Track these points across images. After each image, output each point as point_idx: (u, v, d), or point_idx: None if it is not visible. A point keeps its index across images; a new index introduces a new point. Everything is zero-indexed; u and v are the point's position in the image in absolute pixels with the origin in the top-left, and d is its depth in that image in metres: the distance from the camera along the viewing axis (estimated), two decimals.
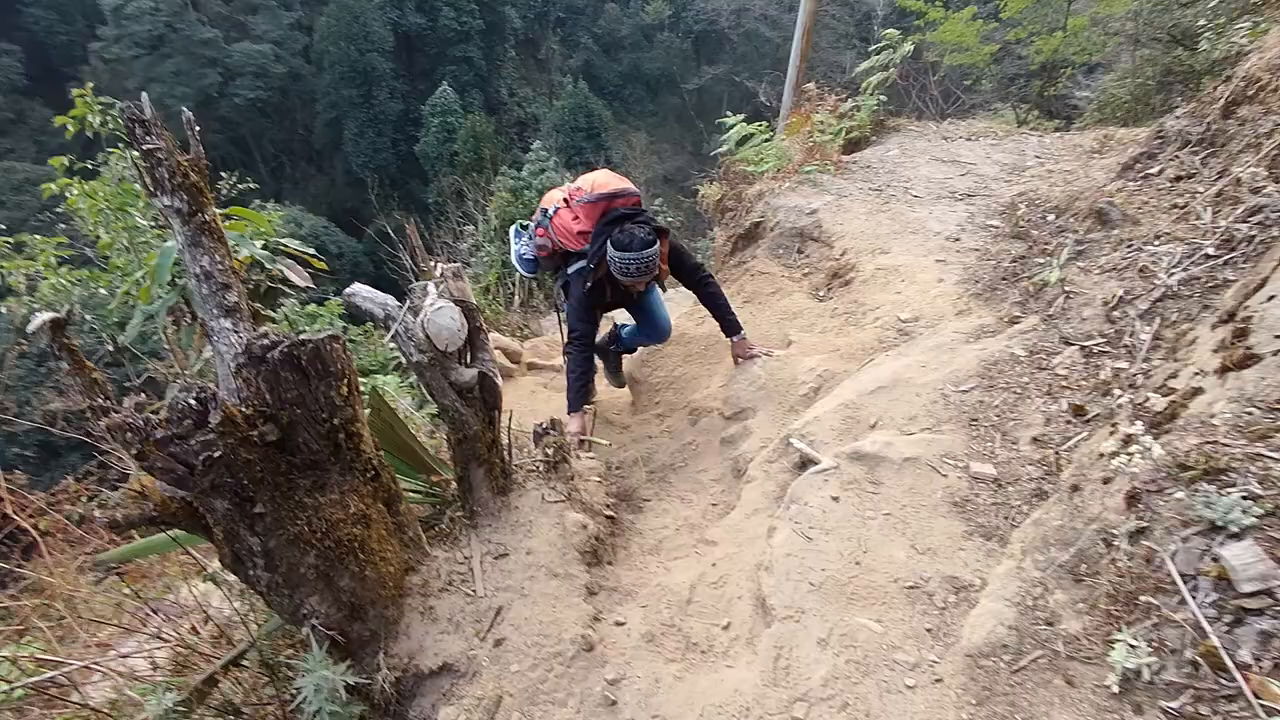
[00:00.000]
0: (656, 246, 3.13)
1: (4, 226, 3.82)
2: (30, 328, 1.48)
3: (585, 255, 3.32)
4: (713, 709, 1.70)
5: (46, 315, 1.50)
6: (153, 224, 3.50)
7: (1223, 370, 1.97)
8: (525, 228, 3.84)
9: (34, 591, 2.50)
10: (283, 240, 3.17)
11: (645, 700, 1.74)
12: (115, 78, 33.82)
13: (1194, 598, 1.55)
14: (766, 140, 6.25)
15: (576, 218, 3.41)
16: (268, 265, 3.01)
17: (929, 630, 1.81)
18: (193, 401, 1.51)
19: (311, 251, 3.25)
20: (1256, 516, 1.55)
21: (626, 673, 1.82)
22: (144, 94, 1.74)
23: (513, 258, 3.84)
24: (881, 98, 7.04)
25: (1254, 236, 2.57)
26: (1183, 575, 1.59)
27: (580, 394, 3.26)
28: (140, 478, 1.75)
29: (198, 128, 1.86)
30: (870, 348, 3.44)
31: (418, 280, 2.43)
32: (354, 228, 28.62)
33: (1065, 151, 6.34)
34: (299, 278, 3.09)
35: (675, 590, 2.17)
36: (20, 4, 35.21)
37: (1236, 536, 1.55)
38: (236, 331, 1.83)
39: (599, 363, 4.12)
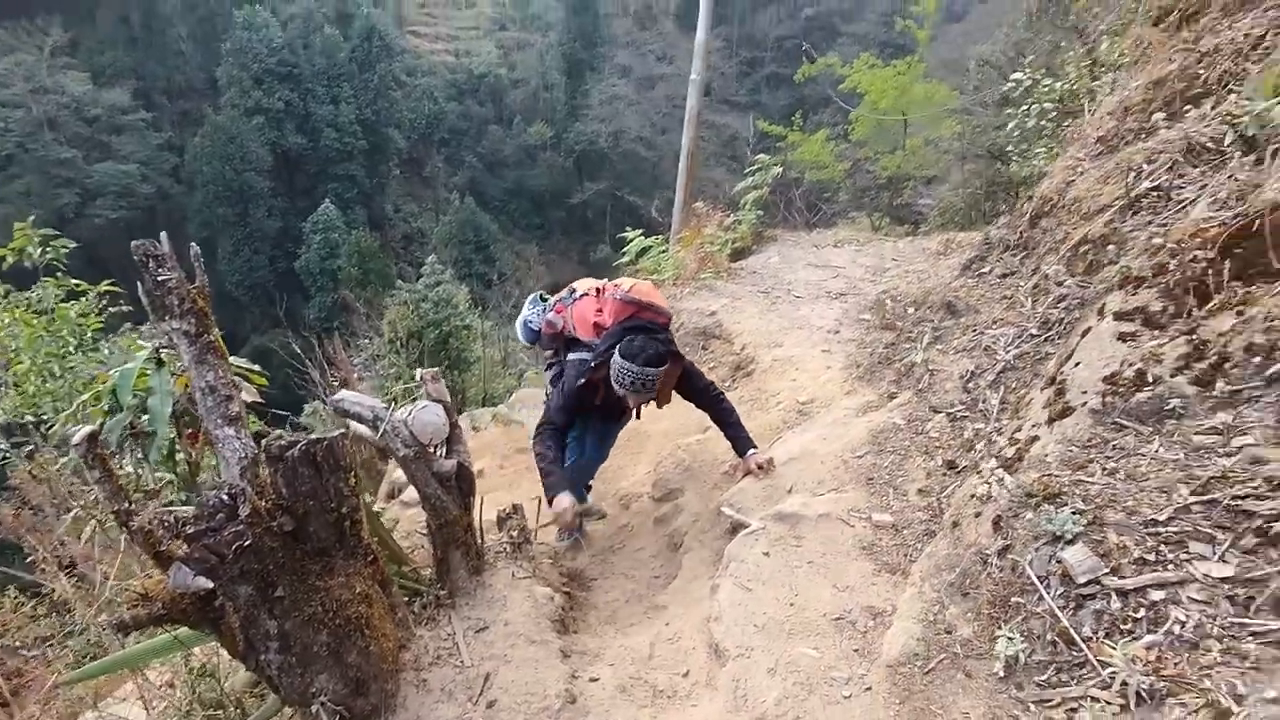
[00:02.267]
0: (662, 369, 3.00)
1: None
2: (74, 440, 1.65)
3: (590, 348, 3.24)
4: None
5: (85, 429, 1.68)
6: (82, 351, 3.55)
7: (1050, 421, 2.55)
8: (544, 299, 3.76)
9: None
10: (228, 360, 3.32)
11: None
12: None
13: (1048, 593, 2.00)
14: (663, 251, 6.93)
15: (600, 310, 3.30)
16: None
17: (856, 651, 2.17)
18: (225, 498, 1.71)
19: (257, 368, 3.41)
20: (1083, 525, 2.05)
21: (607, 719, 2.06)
22: (163, 234, 1.99)
23: (518, 321, 3.80)
24: (759, 212, 7.98)
25: (1062, 319, 3.28)
26: (1038, 577, 2.05)
27: (557, 474, 2.98)
28: (141, 582, 1.88)
29: (201, 260, 2.12)
30: (776, 427, 3.92)
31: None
32: (229, 349, 27.45)
33: (916, 254, 7.40)
34: (247, 394, 3.23)
35: (636, 649, 2.43)
36: None
37: (1071, 542, 2.04)
38: (239, 438, 2.03)
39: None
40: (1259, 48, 3.22)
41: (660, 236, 7.01)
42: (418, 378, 2.27)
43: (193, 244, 2.09)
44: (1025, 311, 3.45)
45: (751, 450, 3.27)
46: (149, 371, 2.75)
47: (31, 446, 3.56)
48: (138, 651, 2.26)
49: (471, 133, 48.73)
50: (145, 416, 2.64)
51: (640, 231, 6.95)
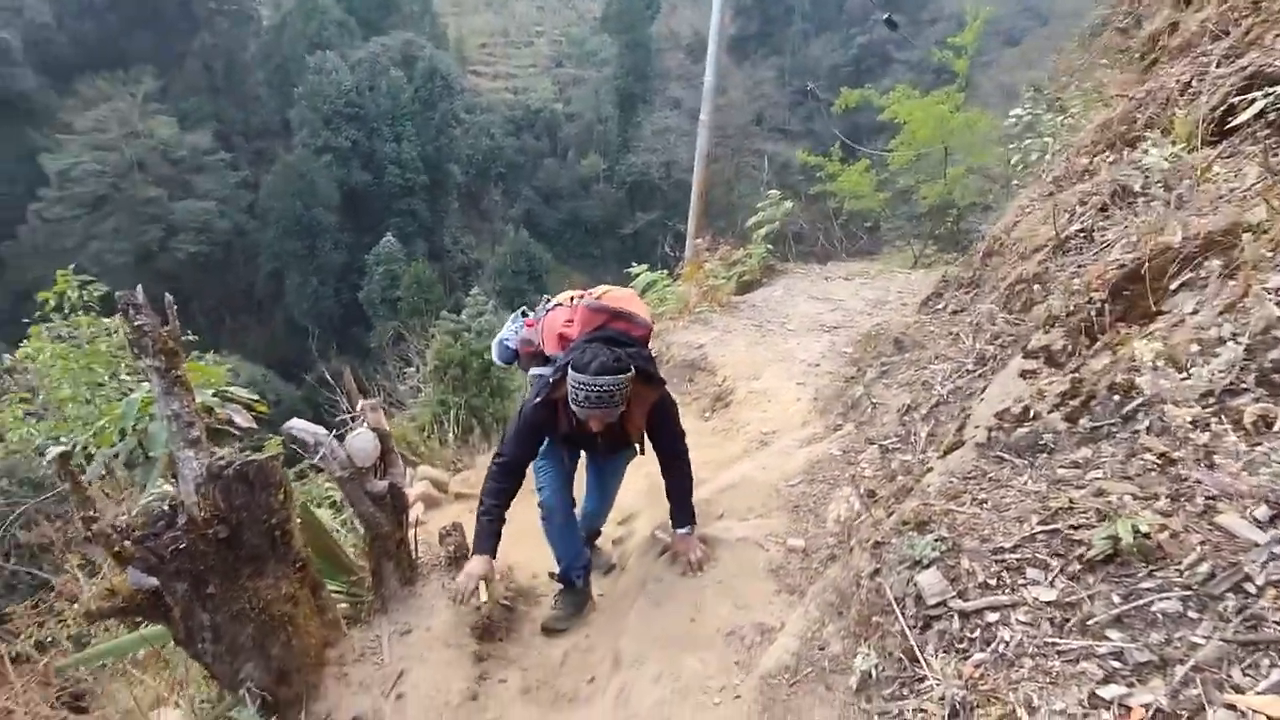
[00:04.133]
0: (620, 379, 2.55)
1: None
2: (47, 457, 2.02)
3: (554, 363, 2.88)
4: None
5: (57, 449, 2.05)
6: (114, 381, 4.03)
7: (945, 453, 2.70)
8: (526, 314, 3.39)
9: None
10: (229, 389, 3.74)
11: None
12: (53, 236, 34.48)
13: (902, 613, 2.16)
14: (668, 285, 7.21)
15: (570, 321, 2.97)
16: (217, 410, 3.56)
17: (737, 663, 2.37)
18: (166, 508, 2.05)
19: (255, 397, 3.81)
20: (941, 551, 2.20)
21: (502, 715, 2.30)
22: (139, 287, 2.38)
23: (495, 340, 3.39)
24: (769, 246, 8.19)
25: (996, 355, 3.42)
26: (896, 599, 2.20)
27: (488, 531, 2.70)
28: (111, 580, 2.24)
29: (175, 308, 2.50)
30: (737, 457, 4.12)
31: (353, 420, 3.03)
32: (292, 375, 28.96)
33: (927, 287, 7.48)
34: (244, 420, 3.63)
35: (552, 657, 2.67)
36: None
37: (927, 566, 2.19)
38: (197, 459, 2.38)
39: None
40: (1186, 93, 3.33)
41: (665, 271, 7.30)
42: (358, 407, 2.59)
43: (167, 294, 2.47)
44: (965, 347, 3.59)
45: (685, 529, 2.96)
46: (152, 401, 3.17)
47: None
48: (121, 643, 2.63)
49: (527, 166, 50.29)
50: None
51: (646, 267, 7.26)
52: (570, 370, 2.58)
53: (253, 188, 41.38)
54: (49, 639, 3.11)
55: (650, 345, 3.14)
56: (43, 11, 39.09)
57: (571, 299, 3.11)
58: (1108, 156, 3.61)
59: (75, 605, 2.98)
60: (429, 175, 43.03)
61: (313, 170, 38.35)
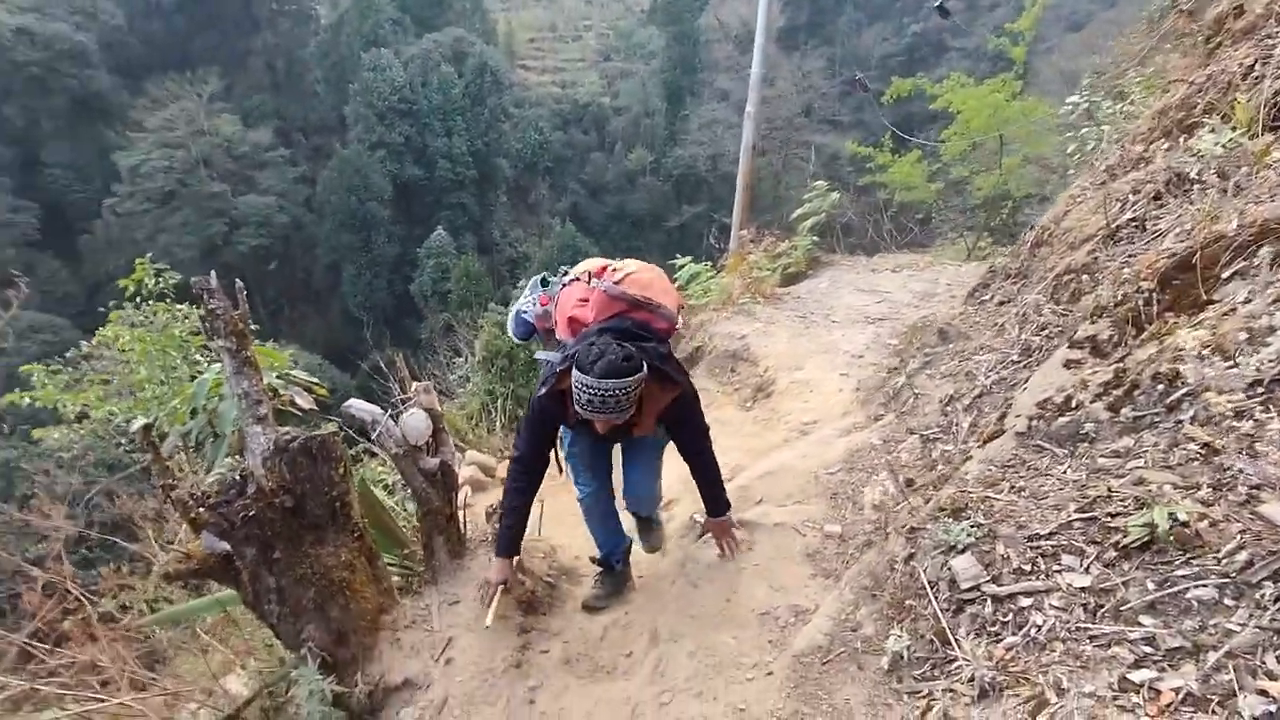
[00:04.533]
0: (628, 382, 2.29)
1: (62, 362, 4.59)
2: (132, 429, 2.20)
3: (565, 348, 2.58)
4: (604, 703, 2.28)
5: (140, 422, 2.23)
6: (186, 363, 4.28)
7: (984, 442, 2.71)
8: (546, 283, 3.05)
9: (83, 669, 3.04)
10: (292, 371, 3.94)
11: (556, 699, 2.33)
12: (125, 230, 36.19)
13: (935, 597, 2.19)
14: (711, 277, 7.25)
15: (584, 301, 2.69)
16: (280, 391, 3.76)
17: (771, 642, 2.43)
18: (237, 478, 2.21)
19: (316, 380, 4.01)
20: (976, 537, 2.22)
21: (544, 683, 2.41)
22: (212, 272, 2.56)
23: (511, 312, 3.14)
24: (814, 238, 8.14)
25: (1042, 346, 3.38)
26: (929, 582, 2.23)
27: (508, 535, 2.60)
28: (187, 545, 2.42)
29: (245, 292, 2.67)
30: (776, 446, 4.16)
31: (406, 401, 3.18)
32: (348, 364, 29.85)
33: (974, 279, 7.36)
34: (305, 402, 3.82)
35: (592, 631, 2.77)
36: (44, 165, 38.12)
37: (962, 551, 2.21)
38: (265, 434, 2.54)
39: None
40: (1249, 77, 3.24)
41: (709, 263, 7.34)
42: (411, 389, 2.72)
43: (237, 280, 2.64)
44: (1010, 338, 3.55)
45: (723, 514, 2.85)
46: (221, 382, 3.38)
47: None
48: (194, 605, 2.82)
49: (575, 160, 50.65)
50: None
51: (690, 259, 7.31)
52: (574, 368, 2.32)
53: (310, 183, 42.67)
54: (129, 603, 3.35)
55: (683, 335, 3.09)
56: (115, 14, 40.93)
57: (589, 275, 2.72)
58: (1164, 144, 3.52)
59: (152, 571, 3.20)
60: (478, 169, 43.68)
61: (367, 165, 39.33)
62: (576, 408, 2.39)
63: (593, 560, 3.18)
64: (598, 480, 2.96)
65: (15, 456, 15.81)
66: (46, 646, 3.02)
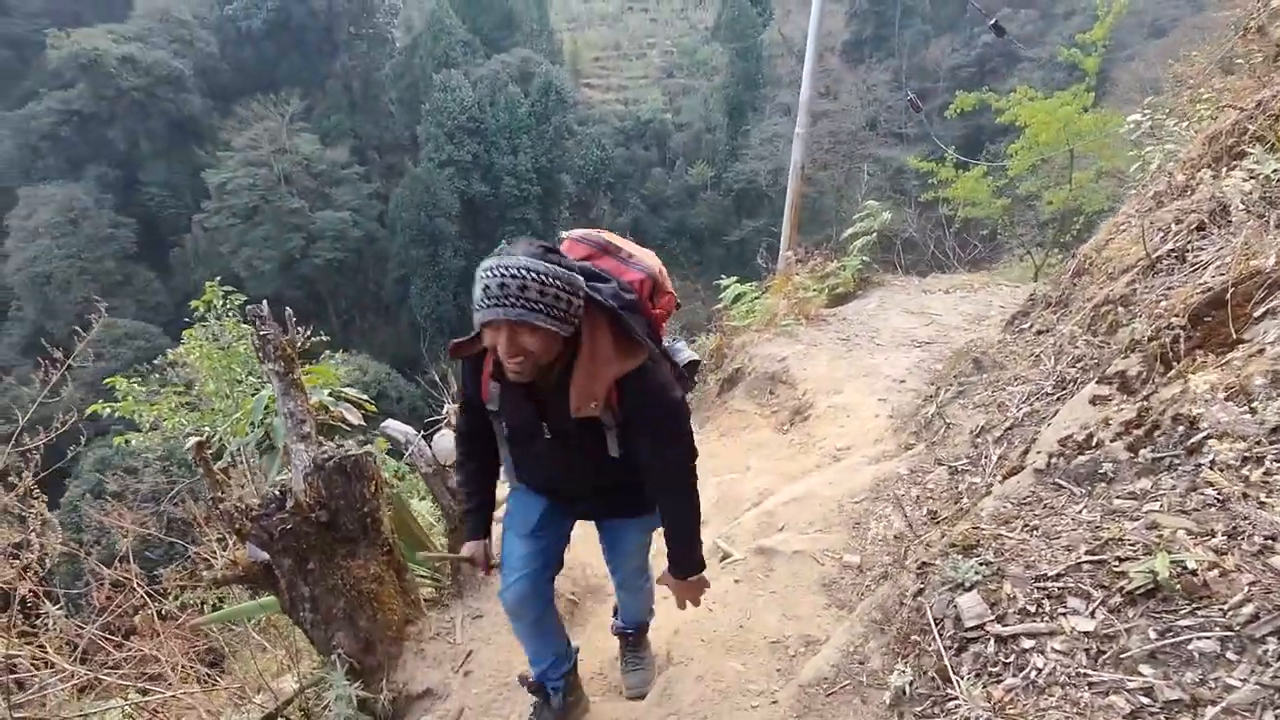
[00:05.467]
0: (541, 269, 1.72)
1: (150, 369, 4.97)
2: (186, 445, 2.41)
3: None
4: None
5: (194, 439, 2.44)
6: (251, 378, 4.58)
7: (1004, 478, 2.68)
8: None
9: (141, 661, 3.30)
10: (343, 389, 4.17)
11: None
12: (212, 243, 38.45)
13: (940, 634, 2.19)
14: (756, 298, 7.27)
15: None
16: (331, 408, 3.99)
17: (778, 670, 2.46)
18: (277, 494, 2.39)
19: (365, 398, 4.23)
20: (983, 575, 2.21)
21: None
22: (264, 302, 2.77)
23: None
24: (864, 258, 8.07)
25: (1076, 379, 3.31)
26: (935, 619, 2.23)
27: (469, 517, 2.20)
28: (234, 554, 2.61)
29: (294, 319, 2.88)
30: (808, 471, 4.17)
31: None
32: (417, 373, 30.88)
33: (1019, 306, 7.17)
34: (354, 418, 4.04)
35: (608, 650, 2.85)
36: (141, 184, 40.87)
37: (969, 589, 2.21)
38: (307, 451, 2.74)
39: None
40: None
41: (754, 283, 7.36)
42: (444, 411, 2.88)
43: (286, 306, 2.85)
44: (1045, 369, 3.48)
45: (686, 575, 2.23)
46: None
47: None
48: (243, 608, 3.04)
49: (636, 176, 51.19)
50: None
51: (735, 279, 7.35)
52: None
53: (383, 199, 44.40)
54: (191, 602, 3.61)
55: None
56: (210, 42, 43.70)
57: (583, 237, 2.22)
58: (1210, 171, 3.40)
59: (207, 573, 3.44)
60: (542, 185, 44.68)
61: (436, 182, 40.71)
62: (474, 314, 1.80)
63: (522, 682, 2.38)
64: (533, 563, 2.19)
65: (110, 455, 17.09)
66: (115, 639, 3.29)
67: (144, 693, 2.90)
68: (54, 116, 38.80)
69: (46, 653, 2.64)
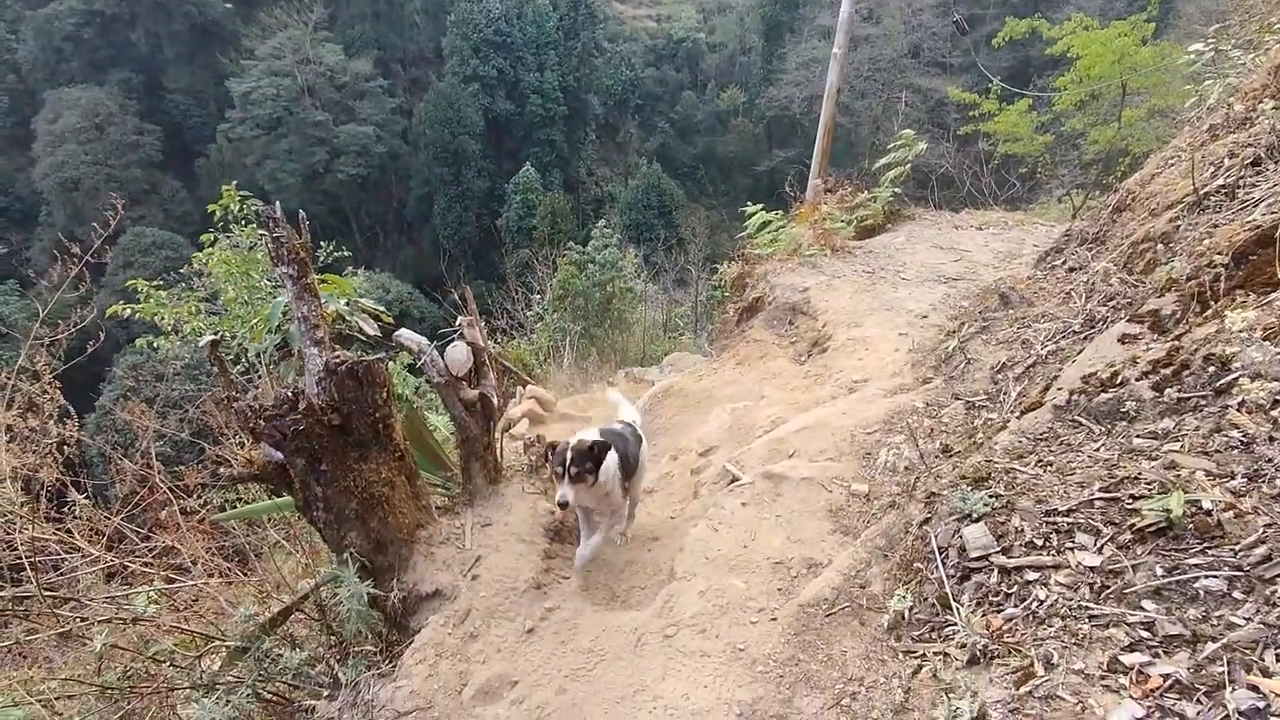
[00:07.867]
0: None
1: (160, 283, 5.00)
2: (200, 344, 2.42)
3: None
4: (612, 630, 2.42)
5: (209, 337, 2.45)
6: (269, 284, 4.58)
7: (1021, 414, 2.63)
8: None
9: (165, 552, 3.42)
10: (359, 299, 4.16)
11: (570, 620, 2.49)
12: (237, 154, 38.19)
13: (943, 562, 2.19)
14: (782, 227, 7.10)
15: None
16: (347, 318, 3.99)
17: (779, 590, 2.50)
18: (289, 395, 2.41)
19: (382, 309, 4.22)
20: (992, 507, 2.19)
21: (561, 605, 2.57)
22: (277, 203, 2.73)
23: None
24: (895, 190, 7.81)
25: (1107, 317, 3.21)
26: (939, 548, 2.23)
27: None
28: (250, 453, 2.66)
29: (307, 223, 2.84)
30: (821, 401, 4.14)
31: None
32: (440, 292, 31.02)
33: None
34: (370, 328, 4.04)
35: (614, 564, 2.91)
36: (164, 90, 40.40)
37: (976, 521, 2.19)
38: (320, 356, 2.74)
39: None
40: None
41: (780, 211, 7.17)
42: (457, 323, 2.86)
43: (300, 211, 2.81)
44: (1075, 307, 3.38)
45: None
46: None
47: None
48: (259, 506, 3.12)
49: (666, 98, 49.62)
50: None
51: (761, 206, 7.15)
52: None
53: (407, 114, 43.59)
54: (215, 502, 3.72)
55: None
56: None
57: None
58: (1273, 102, 3.19)
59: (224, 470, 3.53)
60: (568, 106, 43.50)
61: (461, 99, 39.77)
62: None
63: None
64: None
65: (140, 361, 17.49)
66: (141, 531, 3.42)
67: (169, 581, 3.02)
68: (77, 17, 38.15)
69: (74, 537, 2.74)
